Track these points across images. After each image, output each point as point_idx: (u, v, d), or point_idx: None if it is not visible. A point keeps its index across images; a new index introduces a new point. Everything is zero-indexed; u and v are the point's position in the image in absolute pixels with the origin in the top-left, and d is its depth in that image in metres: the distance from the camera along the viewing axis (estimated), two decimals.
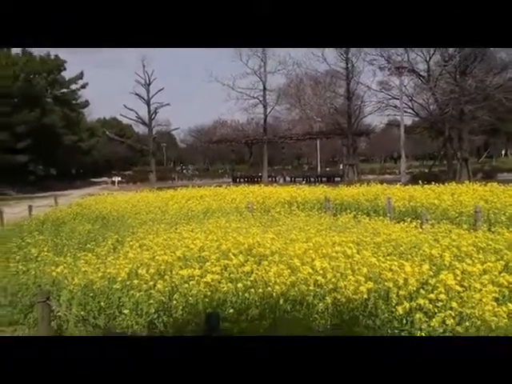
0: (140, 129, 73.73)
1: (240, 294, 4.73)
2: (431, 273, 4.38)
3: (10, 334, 5.50)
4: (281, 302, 4.51)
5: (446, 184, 13.71)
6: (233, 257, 5.32)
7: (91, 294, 5.30)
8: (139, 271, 5.26)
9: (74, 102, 54.91)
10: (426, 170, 40.30)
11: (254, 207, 12.40)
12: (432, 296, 3.93)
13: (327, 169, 66.31)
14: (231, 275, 4.99)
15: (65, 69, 53.65)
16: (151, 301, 4.82)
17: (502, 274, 4.31)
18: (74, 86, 54.61)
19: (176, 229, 8.35)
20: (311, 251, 5.22)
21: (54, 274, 5.83)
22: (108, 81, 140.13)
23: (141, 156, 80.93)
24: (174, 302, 4.79)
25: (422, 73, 34.47)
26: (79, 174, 65.16)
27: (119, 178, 49.88)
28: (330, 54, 36.98)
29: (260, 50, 43.33)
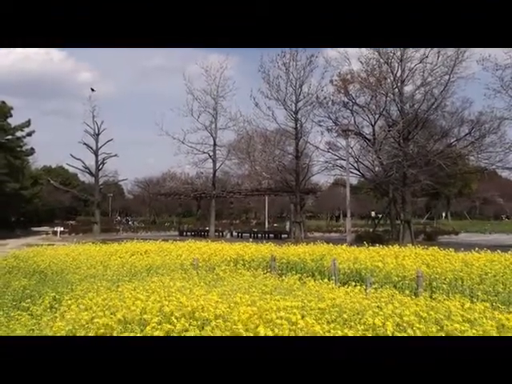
0: (86, 178, 72.75)
1: None
2: None
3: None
4: None
5: (390, 246, 13.94)
6: (175, 320, 5.13)
7: None
8: (77, 335, 4.99)
9: (18, 149, 53.44)
10: (371, 230, 41.11)
11: (200, 264, 12.21)
12: None
13: (275, 224, 66.72)
14: None
15: (11, 115, 52.59)
16: None
17: None
18: (19, 133, 53.39)
19: (118, 286, 8.07)
20: (255, 316, 5.11)
21: None
22: (56, 129, 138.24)
23: (85, 206, 79.34)
24: None
25: (367, 136, 35.78)
26: (19, 222, 62.74)
27: (61, 228, 48.31)
28: (280, 113, 37.84)
29: (211, 106, 44.03)
